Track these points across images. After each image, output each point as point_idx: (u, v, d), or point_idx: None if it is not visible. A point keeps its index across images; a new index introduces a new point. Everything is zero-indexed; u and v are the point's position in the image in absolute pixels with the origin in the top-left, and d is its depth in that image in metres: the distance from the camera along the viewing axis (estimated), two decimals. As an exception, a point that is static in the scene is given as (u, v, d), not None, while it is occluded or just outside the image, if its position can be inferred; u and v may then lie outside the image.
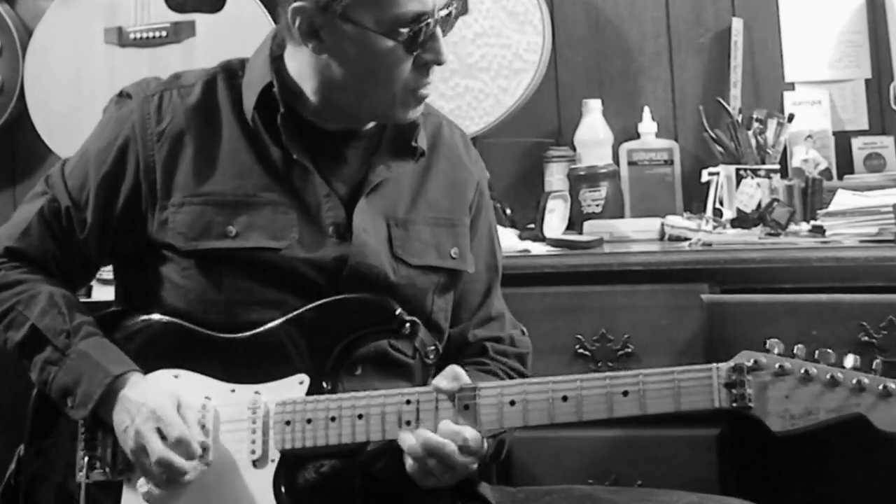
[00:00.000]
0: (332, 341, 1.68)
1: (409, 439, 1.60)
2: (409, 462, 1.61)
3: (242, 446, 1.67)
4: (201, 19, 2.92)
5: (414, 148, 1.78)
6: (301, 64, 1.72)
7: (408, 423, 1.62)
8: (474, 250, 1.85)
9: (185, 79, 1.79)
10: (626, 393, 1.57)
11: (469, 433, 1.59)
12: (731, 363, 1.54)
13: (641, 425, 2.13)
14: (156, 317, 1.75)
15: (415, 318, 1.70)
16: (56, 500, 1.75)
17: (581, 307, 2.36)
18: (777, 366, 1.52)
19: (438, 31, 1.65)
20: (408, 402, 1.63)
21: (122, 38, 2.94)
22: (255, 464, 1.66)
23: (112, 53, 2.95)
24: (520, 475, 2.32)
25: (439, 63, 1.68)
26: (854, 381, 1.50)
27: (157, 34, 2.92)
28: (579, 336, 2.35)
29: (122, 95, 1.80)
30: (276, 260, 1.70)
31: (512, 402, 1.60)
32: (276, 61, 1.74)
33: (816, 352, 1.54)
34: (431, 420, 1.61)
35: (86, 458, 1.71)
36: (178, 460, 1.61)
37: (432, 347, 1.73)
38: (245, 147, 1.73)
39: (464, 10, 1.73)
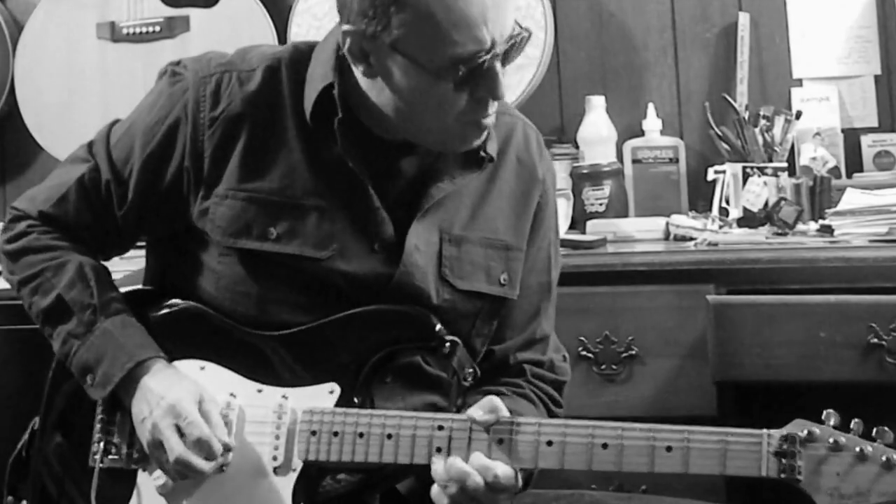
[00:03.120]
0: (368, 352, 1.63)
1: (437, 463, 1.55)
2: (434, 489, 1.56)
3: (264, 450, 1.62)
4: (195, 14, 2.92)
5: (482, 157, 1.68)
6: (359, 78, 1.62)
7: (438, 449, 1.56)
8: (529, 266, 1.77)
9: (247, 62, 1.69)
10: (669, 448, 1.50)
11: (501, 470, 1.52)
12: (784, 431, 1.48)
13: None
14: (187, 303, 1.70)
15: (455, 338, 1.65)
16: (67, 477, 1.71)
17: (584, 308, 2.35)
18: (831, 440, 1.46)
19: (497, 65, 1.55)
20: (440, 427, 1.57)
21: (114, 34, 2.94)
22: (276, 470, 1.61)
23: (104, 49, 2.95)
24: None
25: (495, 99, 1.58)
26: None
27: (151, 29, 2.92)
28: (582, 338, 2.34)
29: (179, 65, 1.72)
30: (315, 269, 1.64)
31: (549, 443, 1.54)
32: (342, 59, 1.62)
33: (874, 429, 1.47)
34: (464, 449, 1.55)
35: (101, 443, 1.67)
36: (198, 461, 1.57)
37: (470, 370, 1.68)
38: (299, 146, 1.65)
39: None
